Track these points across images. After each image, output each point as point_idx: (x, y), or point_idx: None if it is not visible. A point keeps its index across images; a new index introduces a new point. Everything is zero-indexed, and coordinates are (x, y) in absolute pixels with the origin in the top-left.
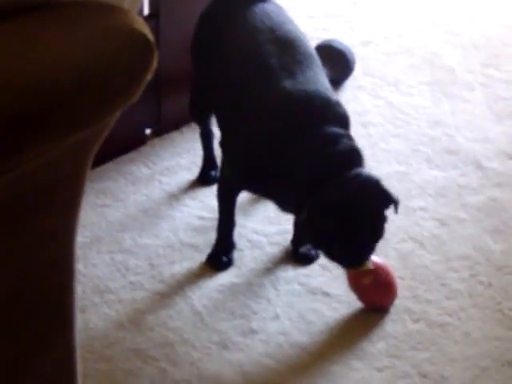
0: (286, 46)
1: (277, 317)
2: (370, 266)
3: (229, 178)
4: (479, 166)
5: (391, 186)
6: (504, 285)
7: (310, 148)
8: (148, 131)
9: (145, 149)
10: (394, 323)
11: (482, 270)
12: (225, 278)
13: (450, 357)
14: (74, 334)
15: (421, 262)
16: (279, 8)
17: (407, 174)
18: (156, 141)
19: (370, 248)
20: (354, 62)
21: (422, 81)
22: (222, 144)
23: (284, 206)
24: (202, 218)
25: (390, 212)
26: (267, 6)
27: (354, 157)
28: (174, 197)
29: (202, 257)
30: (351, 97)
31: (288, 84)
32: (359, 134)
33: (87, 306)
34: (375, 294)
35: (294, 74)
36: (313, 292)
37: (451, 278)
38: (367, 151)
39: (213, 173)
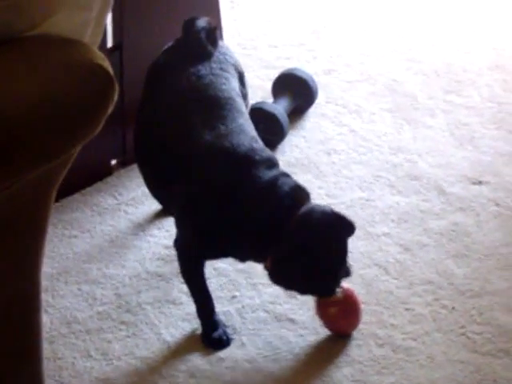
0: (211, 104)
1: (243, 344)
2: (339, 295)
3: (184, 247)
4: (441, 192)
5: (354, 212)
6: (467, 308)
7: (253, 197)
8: (114, 162)
9: (111, 179)
10: (360, 348)
11: (445, 294)
12: (191, 307)
13: (415, 381)
14: (41, 364)
15: (385, 287)
16: (220, 66)
17: (370, 201)
18: (122, 171)
19: (340, 275)
20: (316, 91)
21: (384, 108)
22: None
23: (244, 258)
24: (168, 247)
25: (353, 238)
26: (207, 65)
27: (301, 193)
28: (141, 227)
29: (168, 286)
30: (314, 125)
31: (209, 137)
32: (323, 161)
33: (55, 337)
34: (341, 323)
35: (215, 128)
36: (278, 319)
37: (415, 302)
38: (331, 178)
39: None
